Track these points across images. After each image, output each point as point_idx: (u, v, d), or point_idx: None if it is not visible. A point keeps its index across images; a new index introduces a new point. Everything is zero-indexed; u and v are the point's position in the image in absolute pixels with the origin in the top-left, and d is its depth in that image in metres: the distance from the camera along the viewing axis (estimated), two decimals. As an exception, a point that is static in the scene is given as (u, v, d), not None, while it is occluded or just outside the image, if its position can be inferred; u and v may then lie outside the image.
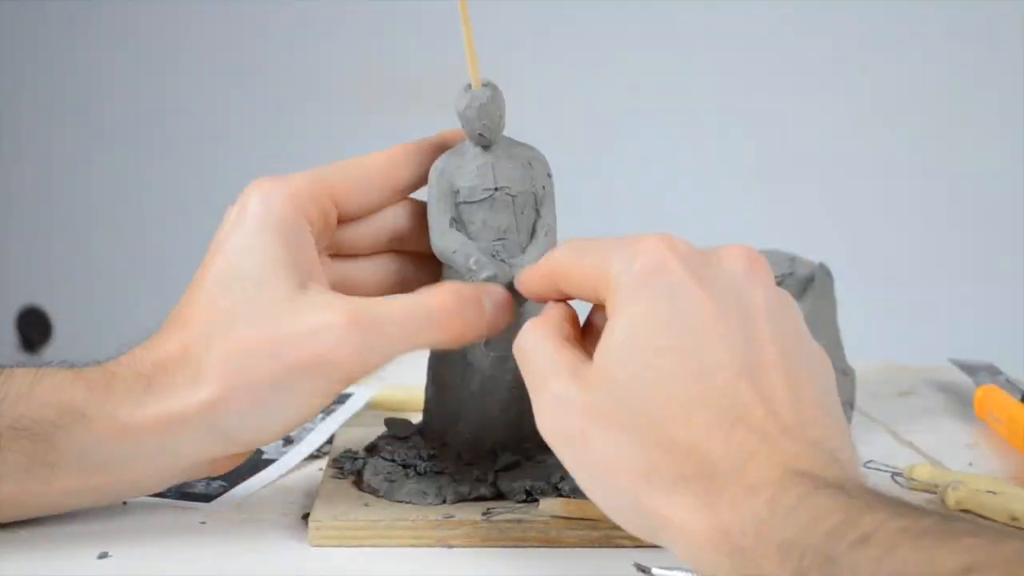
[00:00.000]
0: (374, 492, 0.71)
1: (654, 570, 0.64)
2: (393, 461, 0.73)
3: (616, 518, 0.59)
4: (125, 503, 0.74)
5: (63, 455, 0.66)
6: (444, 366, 0.73)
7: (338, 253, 0.74)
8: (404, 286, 0.73)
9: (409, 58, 2.14)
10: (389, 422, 0.76)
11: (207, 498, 0.74)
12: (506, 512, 0.68)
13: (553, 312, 0.65)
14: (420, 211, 0.74)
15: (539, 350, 0.62)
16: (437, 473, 0.71)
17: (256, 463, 0.78)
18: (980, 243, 1.95)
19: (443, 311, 0.67)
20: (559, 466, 0.70)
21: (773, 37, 1.98)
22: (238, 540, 0.70)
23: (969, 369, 0.92)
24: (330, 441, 0.82)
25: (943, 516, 0.50)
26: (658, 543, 0.57)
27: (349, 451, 0.76)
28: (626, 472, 0.57)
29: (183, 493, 0.74)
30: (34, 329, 2.42)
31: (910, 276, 1.97)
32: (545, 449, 0.70)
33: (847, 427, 0.59)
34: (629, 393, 0.58)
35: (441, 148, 0.73)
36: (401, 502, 0.70)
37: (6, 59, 2.47)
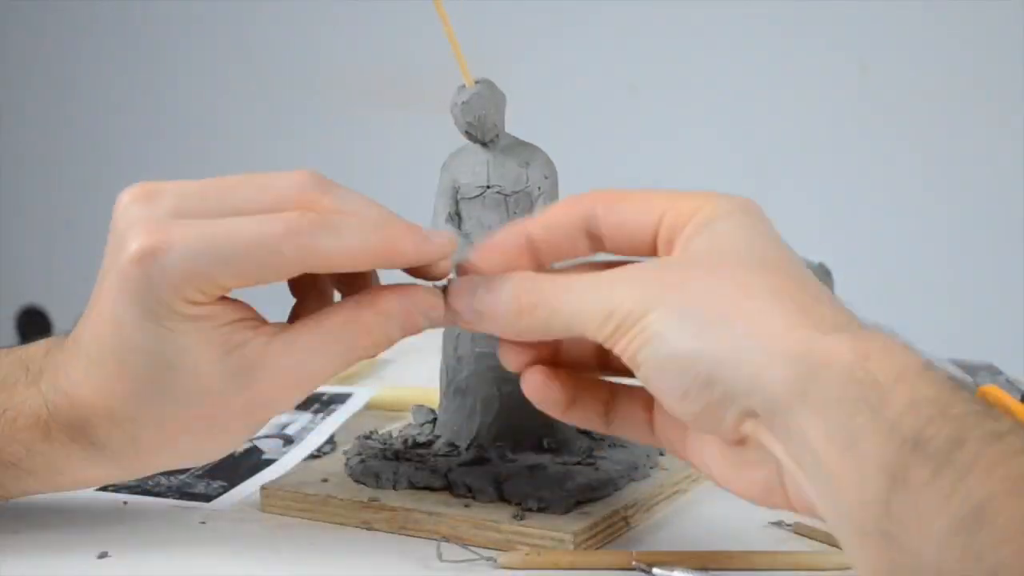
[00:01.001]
0: (346, 470, 0.74)
1: (655, 570, 0.64)
2: (383, 444, 0.75)
3: (695, 348, 0.56)
4: (125, 503, 0.74)
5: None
6: (445, 359, 0.75)
7: None
8: None
9: (409, 58, 2.14)
10: (414, 409, 0.78)
11: (207, 498, 0.74)
12: (456, 555, 0.67)
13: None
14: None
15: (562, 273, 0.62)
16: (406, 460, 0.73)
17: (256, 463, 0.78)
18: (980, 243, 1.95)
19: (389, 225, 0.63)
20: (514, 469, 0.71)
21: (773, 37, 1.98)
22: (238, 540, 0.70)
23: (969, 369, 0.92)
24: (330, 441, 0.83)
25: None
26: (748, 372, 0.54)
27: (374, 431, 0.77)
28: (746, 295, 0.56)
29: (183, 493, 0.74)
30: (34, 329, 2.42)
31: (910, 276, 1.97)
32: (515, 451, 0.73)
33: None
34: (736, 255, 0.58)
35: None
36: (359, 482, 0.72)
37: (7, 60, 2.47)
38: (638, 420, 0.64)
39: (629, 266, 0.60)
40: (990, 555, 0.47)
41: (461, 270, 0.64)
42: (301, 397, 0.63)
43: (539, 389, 0.64)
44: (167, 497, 0.74)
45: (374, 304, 0.63)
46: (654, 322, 0.57)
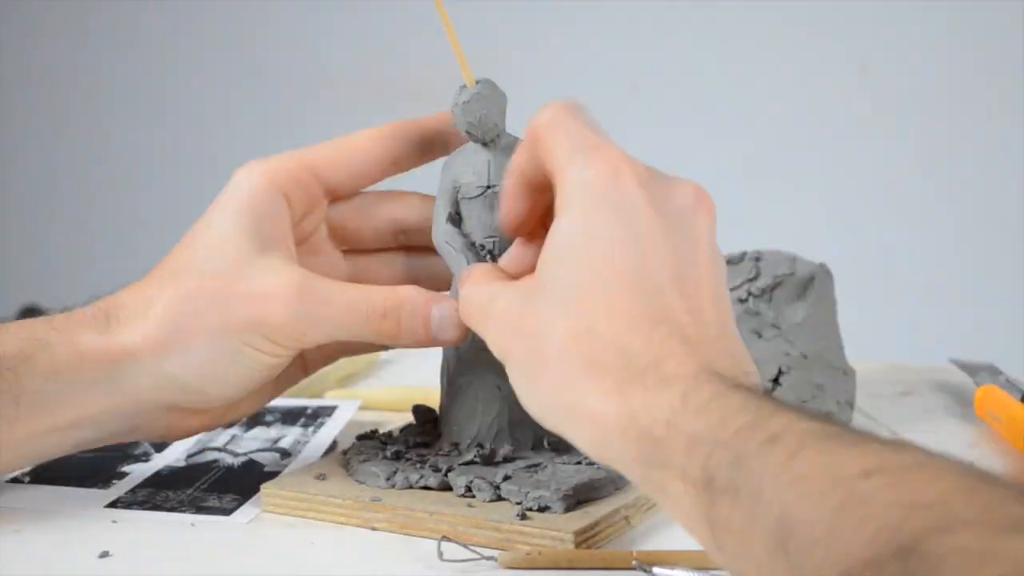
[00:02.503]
0: (346, 470, 0.74)
1: (655, 570, 0.64)
2: (383, 444, 0.75)
3: (537, 411, 0.60)
4: (114, 522, 0.74)
5: (27, 386, 0.70)
6: (446, 358, 0.75)
7: (349, 248, 0.77)
8: (414, 281, 0.75)
9: (409, 58, 2.14)
10: (415, 408, 0.78)
11: (225, 511, 0.73)
12: (457, 554, 0.67)
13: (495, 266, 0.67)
14: (427, 206, 0.76)
15: (483, 285, 0.64)
16: (407, 460, 0.73)
17: (259, 475, 0.78)
18: (980, 243, 1.95)
19: (382, 313, 0.70)
20: (514, 468, 0.71)
21: (773, 36, 1.98)
22: (239, 540, 0.70)
23: (969, 369, 0.92)
24: (330, 450, 0.83)
25: (849, 427, 0.51)
26: (569, 436, 0.58)
27: (375, 430, 0.78)
28: (548, 359, 0.58)
29: (199, 507, 0.74)
30: (34, 329, 2.42)
31: (910, 276, 1.97)
32: (516, 450, 0.73)
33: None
34: (561, 287, 0.59)
35: (433, 129, 0.75)
36: (360, 482, 0.73)
37: (7, 60, 2.47)
38: None
39: (510, 290, 0.62)
40: (806, 563, 0.47)
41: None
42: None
43: None
44: (182, 512, 0.73)
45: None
46: (511, 371, 0.61)
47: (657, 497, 0.55)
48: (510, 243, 0.72)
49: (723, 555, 0.51)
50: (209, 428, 0.74)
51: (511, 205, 0.66)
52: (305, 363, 0.76)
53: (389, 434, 0.77)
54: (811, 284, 0.87)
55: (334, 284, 0.71)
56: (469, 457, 0.72)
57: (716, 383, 0.54)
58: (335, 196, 0.76)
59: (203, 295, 0.70)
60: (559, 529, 0.66)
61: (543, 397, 0.59)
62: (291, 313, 0.69)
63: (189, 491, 0.76)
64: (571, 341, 0.58)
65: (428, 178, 0.77)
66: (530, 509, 0.68)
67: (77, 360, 0.70)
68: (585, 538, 0.67)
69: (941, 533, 0.43)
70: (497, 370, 0.73)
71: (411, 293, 0.71)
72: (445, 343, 0.71)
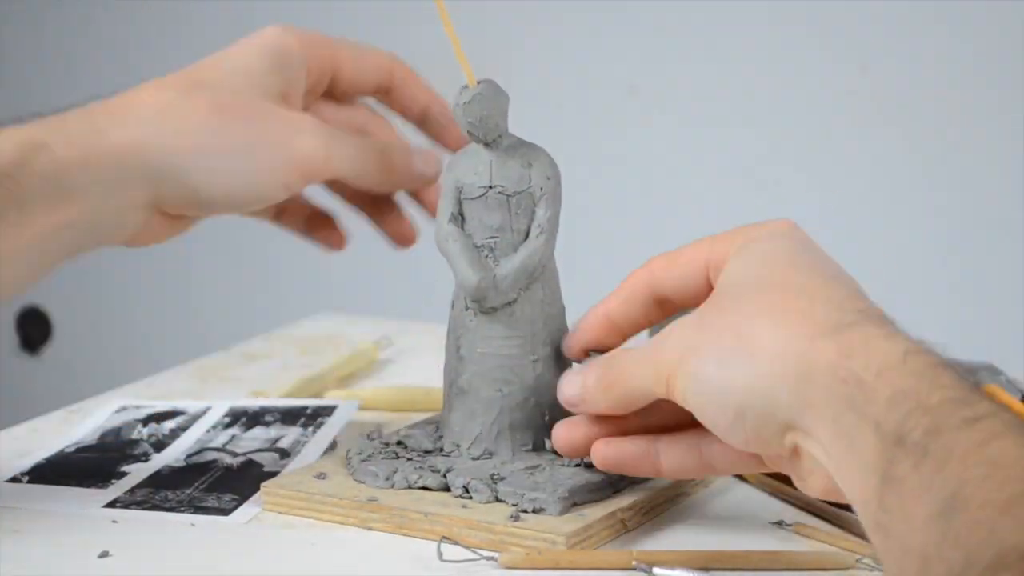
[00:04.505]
0: (347, 469, 0.74)
1: (656, 570, 0.64)
2: (386, 444, 0.75)
3: (727, 380, 0.60)
4: (115, 522, 0.74)
5: (29, 189, 0.69)
6: (448, 358, 0.74)
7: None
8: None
9: (410, 58, 2.14)
10: (420, 424, 0.78)
11: (223, 512, 0.73)
12: (457, 555, 0.67)
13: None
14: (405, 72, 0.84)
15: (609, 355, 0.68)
16: (406, 460, 0.73)
17: (258, 475, 0.78)
18: (980, 243, 1.95)
19: (380, 150, 0.78)
20: (511, 470, 0.71)
21: (773, 37, 1.98)
22: (238, 539, 0.70)
23: (969, 369, 0.92)
24: (330, 444, 0.83)
25: None
26: (754, 370, 0.58)
27: (376, 429, 0.78)
28: (746, 334, 0.59)
29: (197, 507, 0.74)
30: (34, 329, 2.42)
31: (910, 276, 1.97)
32: (516, 452, 0.73)
33: None
34: (752, 283, 0.61)
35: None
36: (359, 481, 0.72)
37: (7, 60, 2.47)
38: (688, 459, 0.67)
39: (677, 320, 0.64)
40: (965, 538, 0.48)
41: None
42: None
43: (610, 459, 0.68)
44: (182, 512, 0.73)
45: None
46: (692, 365, 0.61)
47: (835, 444, 0.55)
48: (511, 244, 0.72)
49: (881, 510, 0.52)
50: (168, 238, 0.76)
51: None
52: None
53: (384, 432, 0.76)
54: (811, 284, 0.87)
55: (338, 127, 0.78)
56: (469, 458, 0.72)
57: (933, 356, 0.56)
58: (332, 91, 0.82)
59: (239, 112, 0.73)
60: (552, 531, 0.66)
61: (736, 361, 0.59)
62: (321, 138, 0.75)
63: (188, 491, 0.76)
64: (777, 300, 0.59)
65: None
66: (525, 511, 0.68)
67: (81, 158, 0.70)
68: (578, 540, 0.67)
69: None
70: (499, 372, 0.72)
71: (395, 138, 0.81)
72: (428, 179, 0.80)
